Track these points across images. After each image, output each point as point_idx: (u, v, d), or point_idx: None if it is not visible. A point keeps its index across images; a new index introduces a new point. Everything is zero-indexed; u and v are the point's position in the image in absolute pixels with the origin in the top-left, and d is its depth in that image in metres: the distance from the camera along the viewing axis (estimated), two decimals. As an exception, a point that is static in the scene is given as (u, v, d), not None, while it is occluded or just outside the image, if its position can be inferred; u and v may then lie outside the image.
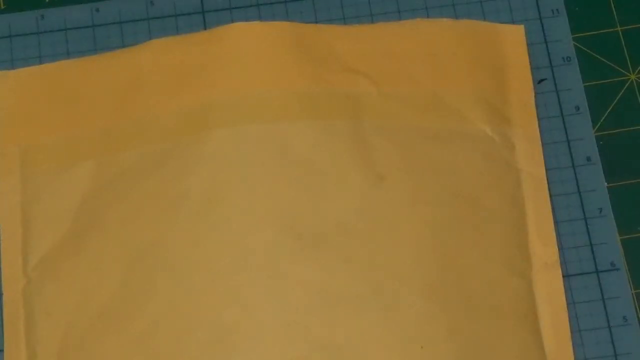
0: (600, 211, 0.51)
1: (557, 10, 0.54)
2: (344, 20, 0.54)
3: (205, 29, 0.53)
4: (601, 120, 0.52)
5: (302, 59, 0.51)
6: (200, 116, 0.50)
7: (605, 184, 0.51)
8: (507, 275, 0.48)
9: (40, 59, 0.53)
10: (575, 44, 0.54)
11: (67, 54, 0.53)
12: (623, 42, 0.54)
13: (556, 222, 0.50)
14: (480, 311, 0.47)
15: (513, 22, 0.54)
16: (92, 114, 0.51)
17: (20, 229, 0.49)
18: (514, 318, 0.48)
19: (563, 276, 0.49)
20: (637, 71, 0.53)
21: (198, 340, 0.46)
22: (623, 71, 0.53)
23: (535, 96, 0.52)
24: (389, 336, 0.46)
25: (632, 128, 0.52)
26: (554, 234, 0.50)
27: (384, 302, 0.47)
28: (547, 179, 0.51)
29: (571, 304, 0.49)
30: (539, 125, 0.51)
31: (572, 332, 0.48)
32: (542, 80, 0.53)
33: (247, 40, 0.51)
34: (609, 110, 0.52)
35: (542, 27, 0.54)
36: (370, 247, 0.48)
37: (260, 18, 0.54)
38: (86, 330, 0.47)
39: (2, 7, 0.54)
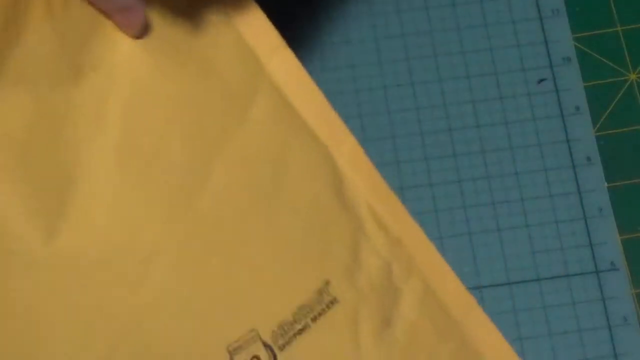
0: (600, 211, 0.51)
1: (557, 10, 0.54)
2: (344, 20, 0.54)
3: (205, 28, 0.53)
4: (601, 120, 0.52)
5: None
6: None
7: (605, 184, 0.51)
8: None
9: (39, 59, 0.53)
10: (575, 44, 0.54)
11: (67, 54, 0.53)
12: (623, 42, 0.54)
13: (556, 222, 0.50)
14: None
15: (513, 22, 0.54)
16: None
17: None
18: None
19: (563, 276, 0.49)
20: (637, 71, 0.53)
21: None
22: (623, 71, 0.53)
23: (535, 96, 0.52)
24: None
25: (632, 128, 0.52)
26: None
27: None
28: (547, 179, 0.51)
29: (571, 304, 0.49)
30: (539, 125, 0.51)
31: (572, 332, 0.48)
32: (542, 80, 0.53)
33: None
34: (609, 110, 0.52)
35: (542, 27, 0.54)
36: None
37: (260, 18, 0.54)
38: None
39: (2, 6, 0.54)
